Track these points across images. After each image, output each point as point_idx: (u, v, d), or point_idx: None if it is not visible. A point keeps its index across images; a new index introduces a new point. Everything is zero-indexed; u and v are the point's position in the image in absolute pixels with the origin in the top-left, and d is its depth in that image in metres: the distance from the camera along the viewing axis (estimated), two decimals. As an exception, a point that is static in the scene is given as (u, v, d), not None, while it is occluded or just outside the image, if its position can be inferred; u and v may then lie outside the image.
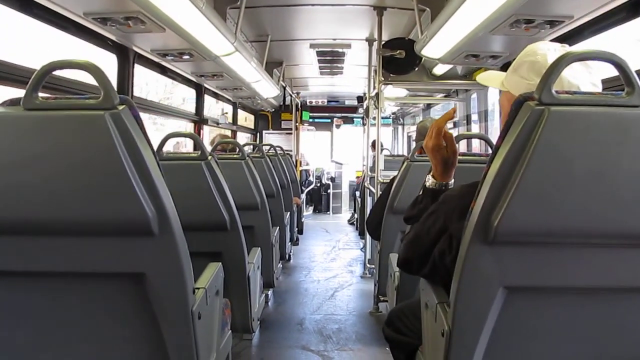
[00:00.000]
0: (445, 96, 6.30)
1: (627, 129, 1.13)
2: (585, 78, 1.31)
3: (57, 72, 1.45)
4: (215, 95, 5.67)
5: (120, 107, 1.35)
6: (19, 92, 1.41)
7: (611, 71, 1.19)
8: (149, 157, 1.40)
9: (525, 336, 1.33)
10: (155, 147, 1.51)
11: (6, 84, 2.15)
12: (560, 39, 2.66)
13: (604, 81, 1.35)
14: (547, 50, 1.36)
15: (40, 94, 1.37)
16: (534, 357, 1.35)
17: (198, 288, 1.70)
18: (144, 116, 3.63)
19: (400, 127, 11.64)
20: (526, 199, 1.16)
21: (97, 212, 1.40)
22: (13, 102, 1.38)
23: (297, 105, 9.18)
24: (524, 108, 1.16)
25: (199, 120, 5.05)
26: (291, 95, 8.48)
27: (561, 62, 1.14)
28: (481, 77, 1.63)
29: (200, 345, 1.62)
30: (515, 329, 1.32)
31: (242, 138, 8.03)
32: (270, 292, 4.33)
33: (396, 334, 1.90)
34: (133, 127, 1.37)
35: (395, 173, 3.24)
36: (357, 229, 7.77)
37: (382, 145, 8.60)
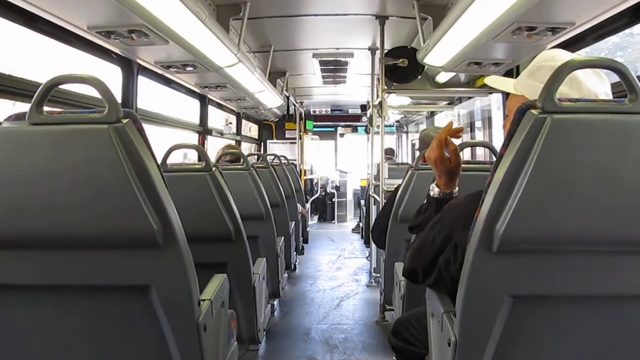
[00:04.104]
0: (448, 104, 6.31)
1: (631, 135, 1.13)
2: (601, 87, 1.32)
3: (63, 86, 1.46)
4: (219, 106, 5.69)
5: (125, 121, 1.36)
6: (24, 107, 1.42)
7: (613, 78, 1.19)
8: (153, 169, 1.41)
9: (533, 345, 1.32)
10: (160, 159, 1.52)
11: (12, 98, 2.17)
12: (562, 46, 2.66)
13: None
14: (568, 57, 1.35)
15: (45, 108, 1.38)
16: (542, 365, 1.34)
17: (204, 300, 1.69)
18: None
19: (404, 135, 11.64)
20: (530, 207, 1.16)
21: (102, 225, 1.40)
22: (18, 117, 1.39)
23: (300, 115, 9.19)
24: (526, 116, 1.16)
25: (203, 131, 5.06)
26: (295, 105, 8.48)
27: (564, 70, 1.15)
28: (490, 80, 1.62)
29: (207, 357, 1.62)
30: (522, 338, 1.31)
31: (247, 148, 8.05)
32: (276, 302, 4.32)
33: (402, 343, 1.90)
34: (137, 140, 1.38)
35: (399, 181, 3.24)
36: (362, 238, 7.75)
37: (392, 153, 8.64)
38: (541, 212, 1.16)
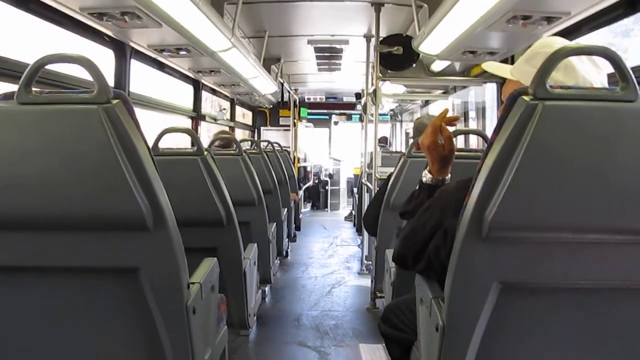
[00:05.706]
0: (443, 93, 6.30)
1: (622, 123, 1.13)
2: (596, 76, 1.31)
3: (53, 67, 1.45)
4: (213, 92, 5.66)
5: (115, 102, 1.35)
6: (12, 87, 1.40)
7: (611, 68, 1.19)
8: (143, 151, 1.40)
9: (520, 332, 1.33)
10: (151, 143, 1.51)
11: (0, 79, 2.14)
12: (557, 35, 2.66)
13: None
14: (565, 44, 1.35)
15: (35, 89, 1.37)
16: (528, 353, 1.35)
17: (193, 283, 1.69)
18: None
19: (398, 124, 11.63)
20: (519, 194, 1.16)
21: (91, 207, 1.40)
22: (7, 97, 1.38)
23: (295, 102, 9.17)
24: (518, 102, 1.15)
25: (197, 116, 5.03)
26: (289, 92, 8.46)
27: (556, 57, 1.14)
28: (488, 66, 1.61)
29: (196, 340, 1.62)
30: (510, 325, 1.32)
31: (240, 135, 8.02)
32: (267, 288, 4.33)
33: (392, 330, 1.90)
34: (127, 121, 1.36)
35: (392, 169, 3.24)
36: (354, 226, 7.77)
37: (386, 142, 8.62)
38: (530, 198, 1.16)
